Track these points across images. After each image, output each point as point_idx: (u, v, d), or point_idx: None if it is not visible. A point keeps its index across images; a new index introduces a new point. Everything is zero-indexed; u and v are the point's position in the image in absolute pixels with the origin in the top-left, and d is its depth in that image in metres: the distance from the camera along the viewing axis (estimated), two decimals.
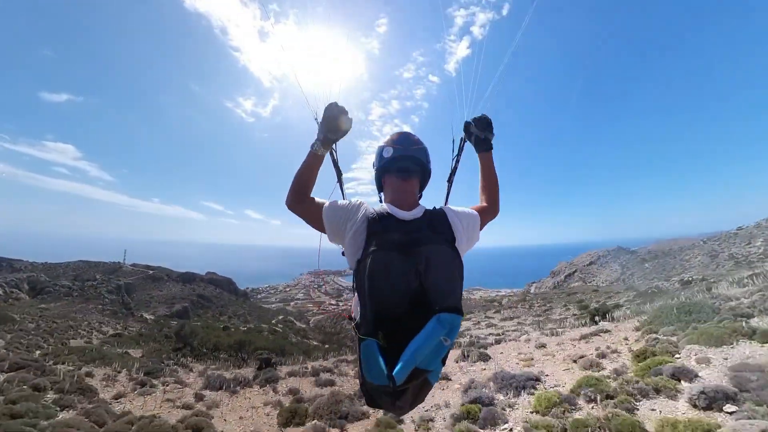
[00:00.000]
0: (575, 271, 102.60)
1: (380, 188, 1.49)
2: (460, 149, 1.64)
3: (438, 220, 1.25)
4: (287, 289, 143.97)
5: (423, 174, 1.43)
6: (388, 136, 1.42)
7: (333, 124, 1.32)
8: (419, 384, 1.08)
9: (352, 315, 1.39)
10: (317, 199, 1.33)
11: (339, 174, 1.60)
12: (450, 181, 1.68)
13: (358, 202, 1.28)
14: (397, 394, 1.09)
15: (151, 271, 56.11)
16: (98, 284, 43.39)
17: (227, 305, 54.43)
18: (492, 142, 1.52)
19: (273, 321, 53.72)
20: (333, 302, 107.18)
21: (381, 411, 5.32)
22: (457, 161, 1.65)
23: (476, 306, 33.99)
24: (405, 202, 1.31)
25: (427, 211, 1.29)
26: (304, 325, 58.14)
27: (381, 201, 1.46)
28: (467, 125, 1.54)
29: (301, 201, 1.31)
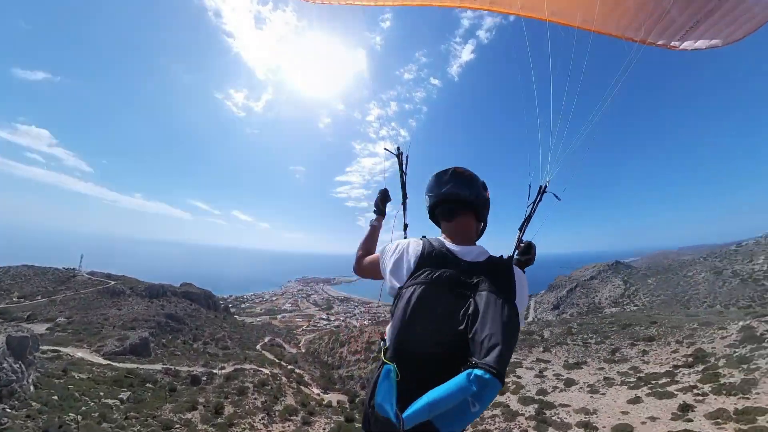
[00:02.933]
0: (576, 286, 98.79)
1: (435, 221, 1.52)
2: (538, 198, 1.68)
3: (501, 270, 1.20)
4: (274, 298, 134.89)
5: (474, 207, 1.40)
6: (450, 168, 1.43)
7: (386, 199, 1.95)
8: None
9: (385, 337, 1.31)
10: (376, 254, 1.52)
11: (405, 197, 1.95)
12: (522, 229, 1.69)
13: (407, 240, 1.36)
14: None
15: (112, 282, 47.27)
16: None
17: (204, 326, 46.07)
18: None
19: (258, 347, 45.83)
20: (324, 316, 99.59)
21: None
22: (533, 210, 1.69)
23: None
24: (461, 239, 1.32)
25: (491, 257, 1.26)
26: (294, 350, 50.36)
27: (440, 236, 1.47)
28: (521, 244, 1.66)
29: (364, 268, 1.56)
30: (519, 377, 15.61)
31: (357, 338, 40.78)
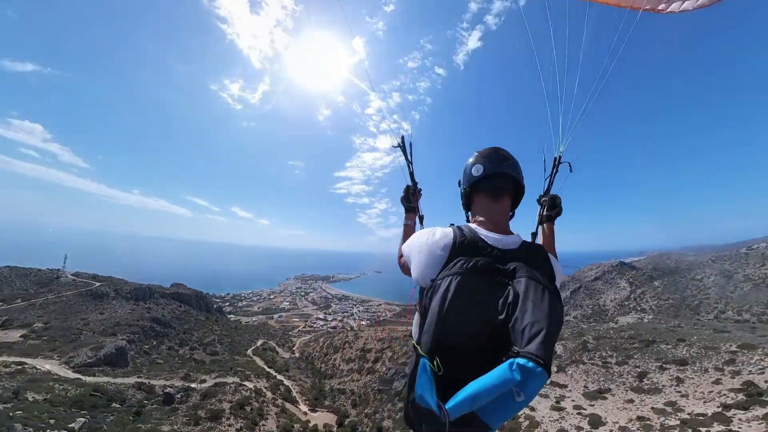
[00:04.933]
0: (580, 287, 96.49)
1: (467, 207, 1.46)
2: (555, 169, 1.76)
3: (537, 254, 1.20)
4: (272, 297, 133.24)
5: (515, 192, 1.38)
6: (476, 152, 1.40)
7: (408, 198, 1.88)
8: None
9: (412, 333, 1.36)
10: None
11: (414, 189, 1.94)
12: (541, 202, 1.75)
13: (432, 229, 1.27)
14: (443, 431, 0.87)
15: (97, 283, 45.19)
16: None
17: (193, 329, 44.05)
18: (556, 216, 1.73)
19: (249, 352, 43.86)
20: (321, 316, 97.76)
21: None
22: (551, 182, 1.77)
23: None
24: (497, 225, 1.26)
25: (525, 242, 1.24)
26: (287, 354, 48.38)
27: (468, 221, 1.44)
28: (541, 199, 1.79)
29: (404, 267, 1.48)
30: (533, 409, 13.42)
31: (352, 344, 38.76)
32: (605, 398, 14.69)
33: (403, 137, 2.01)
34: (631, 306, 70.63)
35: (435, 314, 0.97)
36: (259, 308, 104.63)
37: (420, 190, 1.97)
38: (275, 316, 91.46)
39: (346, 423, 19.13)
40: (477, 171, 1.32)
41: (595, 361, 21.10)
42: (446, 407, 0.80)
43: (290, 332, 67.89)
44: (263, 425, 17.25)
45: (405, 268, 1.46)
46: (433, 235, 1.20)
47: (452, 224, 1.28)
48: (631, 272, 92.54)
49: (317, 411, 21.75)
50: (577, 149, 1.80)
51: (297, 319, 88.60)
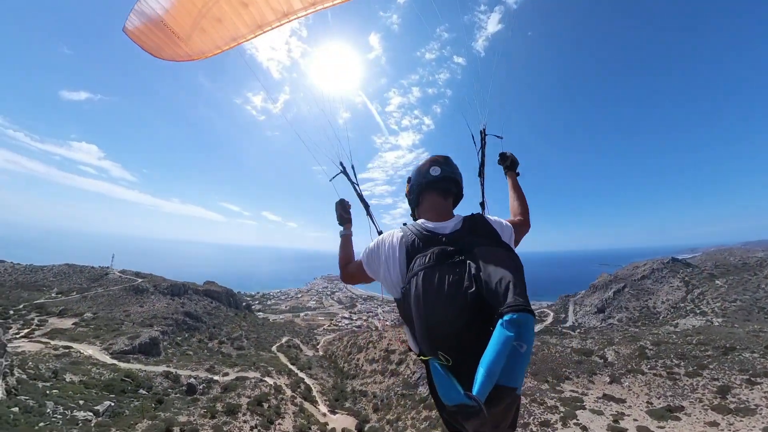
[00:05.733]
0: (625, 287, 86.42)
1: (415, 204, 1.60)
2: (483, 142, 1.94)
3: (478, 224, 1.32)
4: (299, 296, 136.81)
5: (456, 198, 1.57)
6: (431, 156, 1.57)
7: (344, 209, 1.93)
8: (508, 405, 1.01)
9: (411, 347, 1.38)
10: (358, 260, 1.54)
11: (366, 207, 1.99)
12: (481, 174, 1.94)
13: (386, 235, 1.38)
14: (482, 415, 0.91)
15: (140, 280, 48.69)
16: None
17: (222, 324, 45.70)
18: (517, 167, 1.92)
19: (273, 348, 44.45)
20: (346, 315, 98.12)
21: None
22: (483, 154, 1.94)
23: (553, 361, 22.60)
24: (442, 215, 1.41)
25: (465, 218, 1.37)
26: (311, 353, 48.46)
27: (414, 218, 1.58)
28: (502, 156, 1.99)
29: (350, 276, 1.60)
30: (585, 428, 11.18)
31: (376, 344, 37.58)
32: (678, 418, 11.96)
33: (341, 162, 2.08)
34: (689, 308, 62.16)
35: (417, 318, 1.03)
36: (286, 307, 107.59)
37: (369, 207, 2.06)
38: (301, 314, 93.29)
39: (366, 429, 17.83)
40: (435, 172, 1.48)
41: (658, 371, 17.85)
42: (474, 393, 0.83)
43: (315, 330, 68.46)
44: (279, 424, 16.58)
45: (356, 278, 1.57)
46: (389, 244, 1.30)
47: (405, 224, 1.40)
48: (686, 270, 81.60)
49: (337, 413, 20.79)
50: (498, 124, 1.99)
51: (322, 318, 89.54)
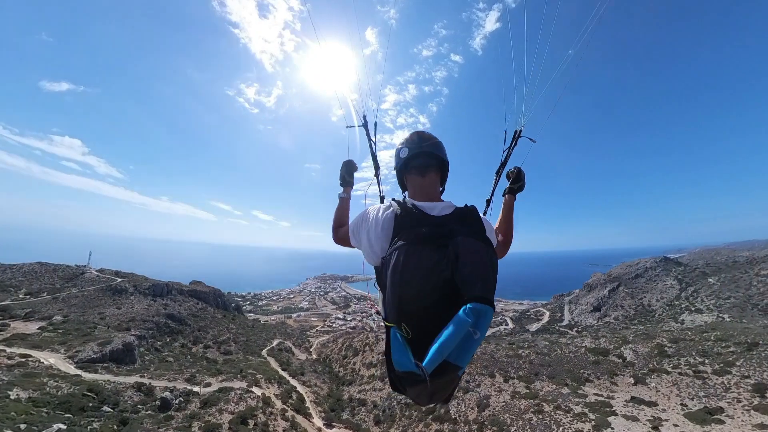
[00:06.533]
0: (619, 285, 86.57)
1: (404, 188, 1.63)
2: (513, 143, 1.83)
3: (469, 215, 1.34)
4: (291, 296, 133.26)
5: (441, 167, 1.54)
6: (404, 138, 1.57)
7: (349, 172, 1.90)
8: (449, 380, 1.10)
9: (379, 311, 1.47)
10: (346, 226, 1.60)
11: (377, 168, 2.02)
12: (498, 173, 1.88)
13: (373, 207, 1.42)
14: (425, 385, 1.03)
15: (119, 279, 45.23)
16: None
17: (208, 327, 42.64)
18: (517, 191, 1.83)
19: (263, 352, 41.69)
20: (340, 316, 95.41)
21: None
22: (508, 155, 1.85)
23: (569, 362, 20.73)
24: (429, 196, 1.43)
25: (457, 208, 1.38)
26: (303, 356, 45.85)
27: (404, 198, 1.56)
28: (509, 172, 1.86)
29: (340, 239, 1.62)
30: None
31: (372, 346, 35.35)
32: (721, 421, 10.23)
33: (364, 116, 2.06)
34: (683, 306, 62.26)
35: (391, 287, 1.10)
36: (278, 307, 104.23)
37: (379, 170, 2.07)
38: (294, 315, 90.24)
39: None
40: (404, 153, 1.49)
41: (683, 369, 16.19)
42: (423, 364, 0.94)
43: (308, 332, 65.71)
44: None
45: (344, 241, 1.58)
46: (376, 215, 1.34)
47: (393, 199, 1.43)
48: (678, 268, 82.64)
49: (333, 426, 18.50)
50: (539, 127, 1.88)
51: (315, 319, 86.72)
